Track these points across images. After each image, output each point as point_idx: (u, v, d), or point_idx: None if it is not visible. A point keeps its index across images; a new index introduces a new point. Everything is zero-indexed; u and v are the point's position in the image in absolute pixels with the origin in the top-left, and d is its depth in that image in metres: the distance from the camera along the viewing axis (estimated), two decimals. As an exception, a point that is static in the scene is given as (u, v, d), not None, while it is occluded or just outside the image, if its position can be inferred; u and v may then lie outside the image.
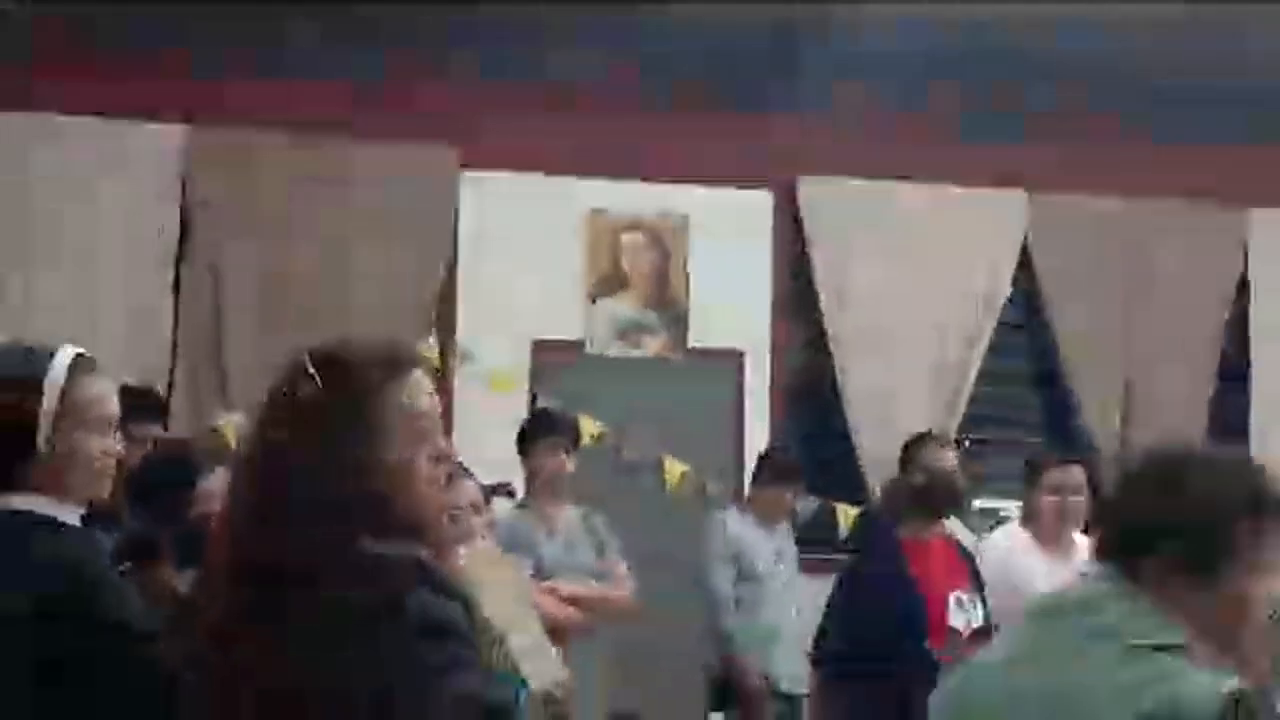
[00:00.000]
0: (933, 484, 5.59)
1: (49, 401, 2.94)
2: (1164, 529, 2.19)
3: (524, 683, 3.38)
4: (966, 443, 8.36)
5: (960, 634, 5.29)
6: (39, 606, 2.78)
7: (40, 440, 2.93)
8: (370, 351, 2.41)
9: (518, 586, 4.08)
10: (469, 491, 4.69)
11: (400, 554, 2.25)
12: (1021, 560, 5.60)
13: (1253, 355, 8.59)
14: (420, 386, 2.41)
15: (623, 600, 5.77)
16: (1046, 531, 5.65)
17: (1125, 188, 8.30)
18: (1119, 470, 2.45)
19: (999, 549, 5.75)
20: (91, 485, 3.00)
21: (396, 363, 2.41)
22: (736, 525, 6.70)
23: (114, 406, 3.07)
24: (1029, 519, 5.75)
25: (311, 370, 2.35)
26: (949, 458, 5.73)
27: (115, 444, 3.05)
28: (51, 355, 3.01)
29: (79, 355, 3.05)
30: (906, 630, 5.24)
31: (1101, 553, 2.30)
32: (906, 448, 5.85)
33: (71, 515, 2.97)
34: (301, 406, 2.35)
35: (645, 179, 7.91)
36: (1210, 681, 2.05)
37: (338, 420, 2.33)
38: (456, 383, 7.64)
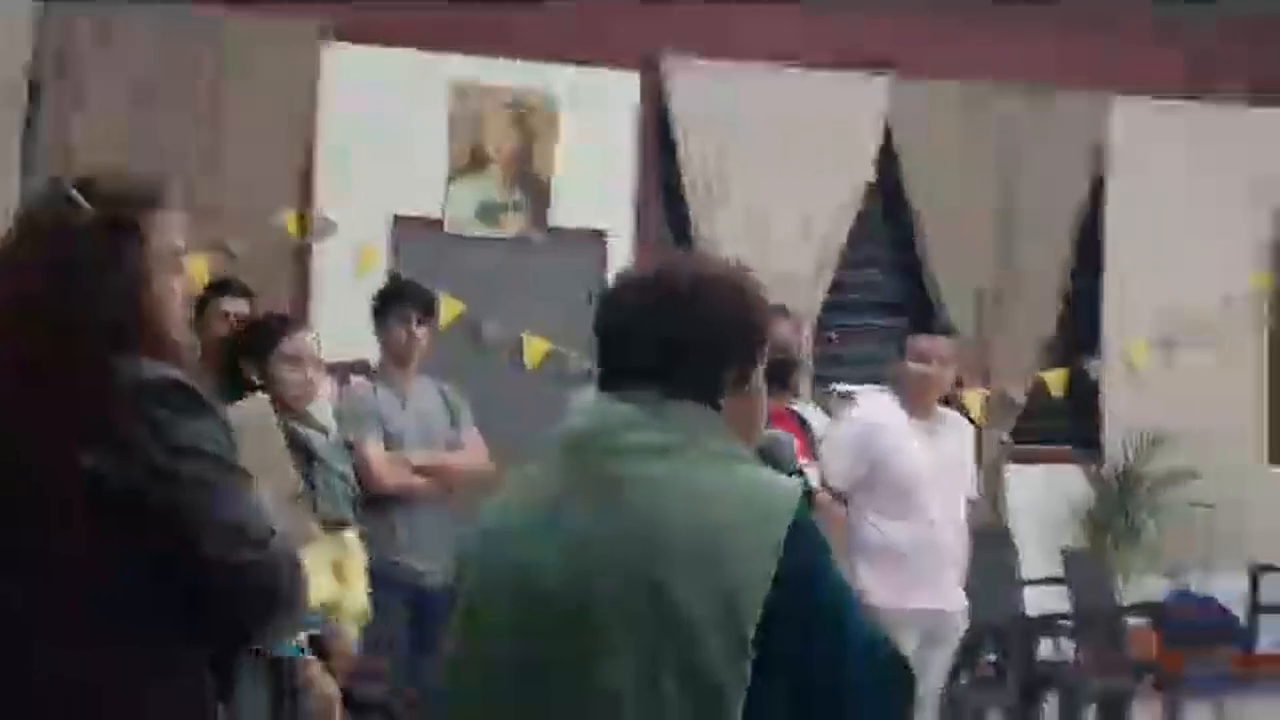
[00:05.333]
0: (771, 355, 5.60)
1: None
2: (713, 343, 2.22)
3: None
4: (832, 336, 8.45)
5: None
6: None
7: None
8: (128, 182, 2.46)
9: (279, 444, 4.10)
10: (305, 343, 4.69)
11: (153, 373, 2.31)
12: (887, 426, 5.66)
13: (1108, 239, 8.77)
14: (175, 225, 2.45)
15: (473, 468, 5.77)
16: (912, 399, 5.71)
17: (989, 72, 8.37)
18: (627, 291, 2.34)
19: (863, 414, 5.80)
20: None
21: (153, 195, 2.45)
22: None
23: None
24: (895, 386, 5.81)
25: (76, 196, 2.36)
26: (782, 327, 5.75)
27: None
28: None
29: None
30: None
31: (626, 376, 2.22)
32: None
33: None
34: (65, 231, 2.35)
35: (511, 56, 7.82)
36: (789, 480, 2.19)
37: (102, 245, 2.36)
38: (315, 255, 7.54)
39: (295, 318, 5.43)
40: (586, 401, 2.27)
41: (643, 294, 2.25)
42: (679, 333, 2.19)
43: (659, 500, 2.10)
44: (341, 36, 7.53)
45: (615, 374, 2.23)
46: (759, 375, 2.27)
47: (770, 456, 2.31)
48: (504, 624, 2.14)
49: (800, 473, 2.34)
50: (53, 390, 2.28)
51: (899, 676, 2.11)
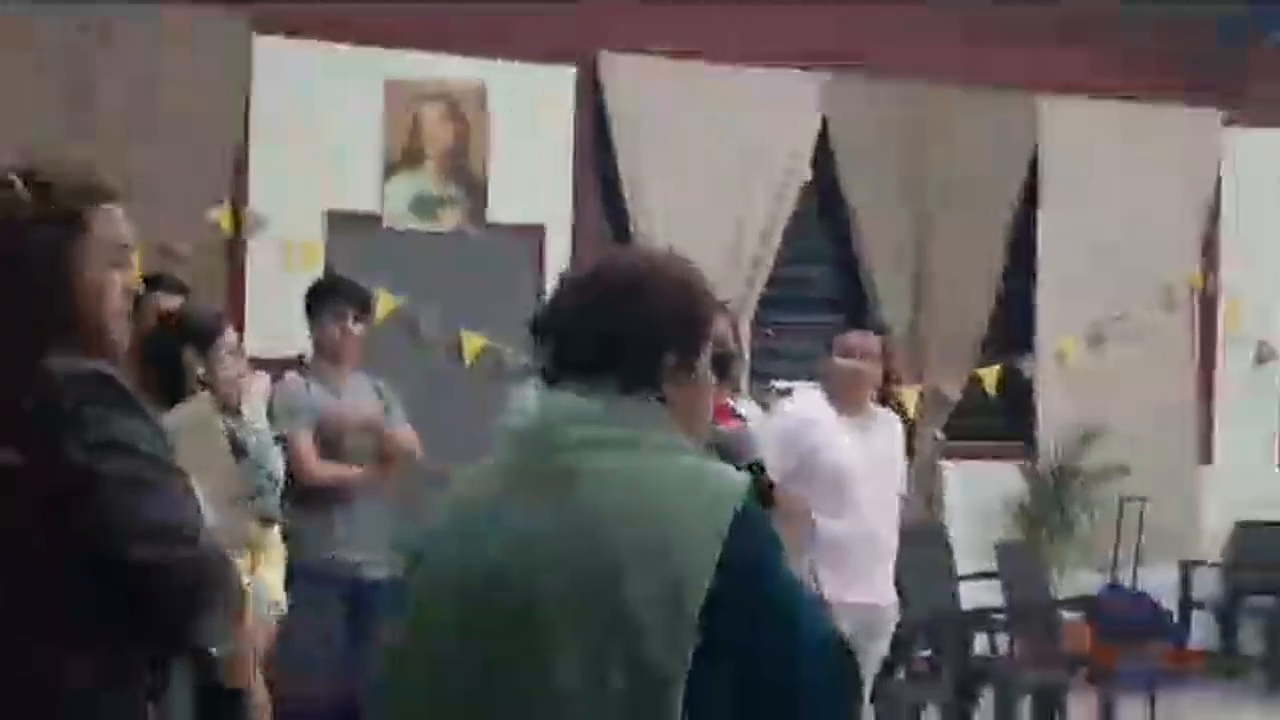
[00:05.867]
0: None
1: None
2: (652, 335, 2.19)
3: None
4: (769, 332, 8.47)
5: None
6: None
7: None
8: (73, 175, 2.42)
9: (222, 445, 4.08)
10: (236, 340, 4.68)
11: (84, 368, 2.28)
12: (818, 422, 5.66)
13: (1041, 238, 8.84)
14: (119, 218, 2.42)
15: (409, 446, 5.76)
16: (842, 395, 5.72)
17: (925, 71, 8.41)
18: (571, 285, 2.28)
19: (795, 410, 5.80)
20: None
21: (98, 190, 2.42)
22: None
23: None
24: (825, 382, 5.81)
25: (16, 184, 2.32)
26: (720, 322, 5.72)
27: None
28: None
29: None
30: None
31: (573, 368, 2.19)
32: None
33: None
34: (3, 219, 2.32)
35: (446, 50, 7.78)
36: (736, 471, 2.16)
37: (38, 234, 2.33)
38: (249, 251, 7.47)
39: (224, 314, 5.38)
40: (529, 398, 2.24)
41: (581, 291, 2.23)
42: (615, 327, 2.18)
43: (603, 495, 2.07)
44: (274, 31, 7.46)
45: (557, 370, 2.21)
46: (703, 366, 2.24)
47: (726, 452, 2.29)
48: (449, 623, 2.11)
49: (759, 466, 2.31)
50: None
51: (849, 671, 2.10)
